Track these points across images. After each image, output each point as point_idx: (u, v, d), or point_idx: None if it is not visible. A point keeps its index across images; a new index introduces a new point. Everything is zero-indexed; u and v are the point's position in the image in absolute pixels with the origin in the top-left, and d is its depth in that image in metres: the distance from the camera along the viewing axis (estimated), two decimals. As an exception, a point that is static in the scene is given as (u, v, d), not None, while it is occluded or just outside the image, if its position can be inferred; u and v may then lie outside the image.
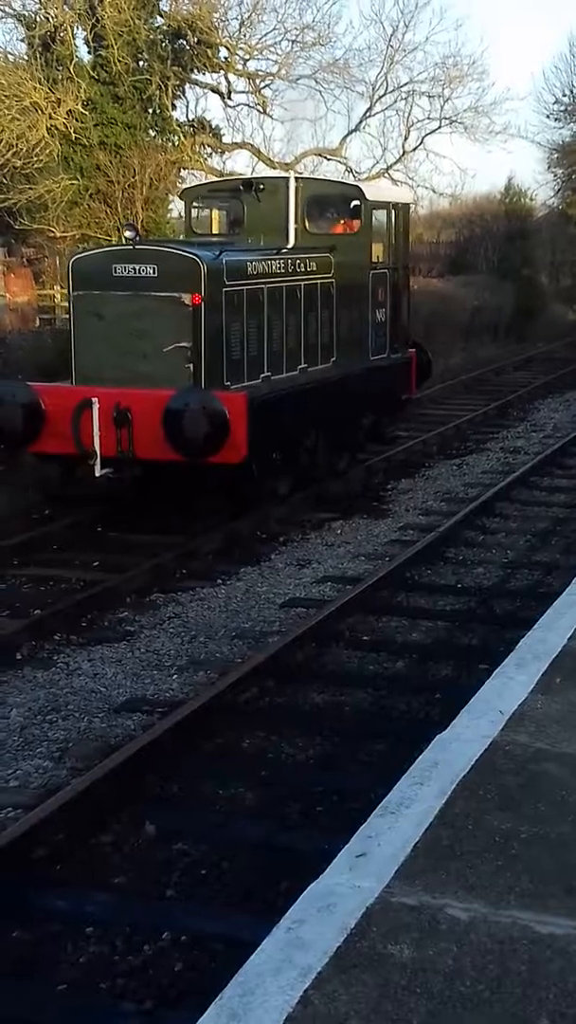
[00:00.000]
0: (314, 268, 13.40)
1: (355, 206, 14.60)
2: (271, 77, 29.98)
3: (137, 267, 11.32)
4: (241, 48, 29.36)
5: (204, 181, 21.47)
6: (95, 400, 11.02)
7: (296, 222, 14.00)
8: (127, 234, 11.72)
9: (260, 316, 12.23)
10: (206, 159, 29.52)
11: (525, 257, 38.11)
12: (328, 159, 31.28)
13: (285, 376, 12.75)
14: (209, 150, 29.88)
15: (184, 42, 28.12)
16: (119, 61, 26.49)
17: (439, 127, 32.38)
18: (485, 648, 8.58)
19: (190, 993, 4.71)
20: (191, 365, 11.32)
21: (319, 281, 13.48)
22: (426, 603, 9.90)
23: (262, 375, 12.30)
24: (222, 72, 29.55)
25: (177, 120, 28.91)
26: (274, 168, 29.87)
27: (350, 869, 3.71)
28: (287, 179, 14.57)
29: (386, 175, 31.12)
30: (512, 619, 9.16)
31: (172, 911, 5.42)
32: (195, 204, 15.09)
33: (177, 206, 30.19)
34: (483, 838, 3.93)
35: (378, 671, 8.40)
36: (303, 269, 13.20)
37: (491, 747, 4.63)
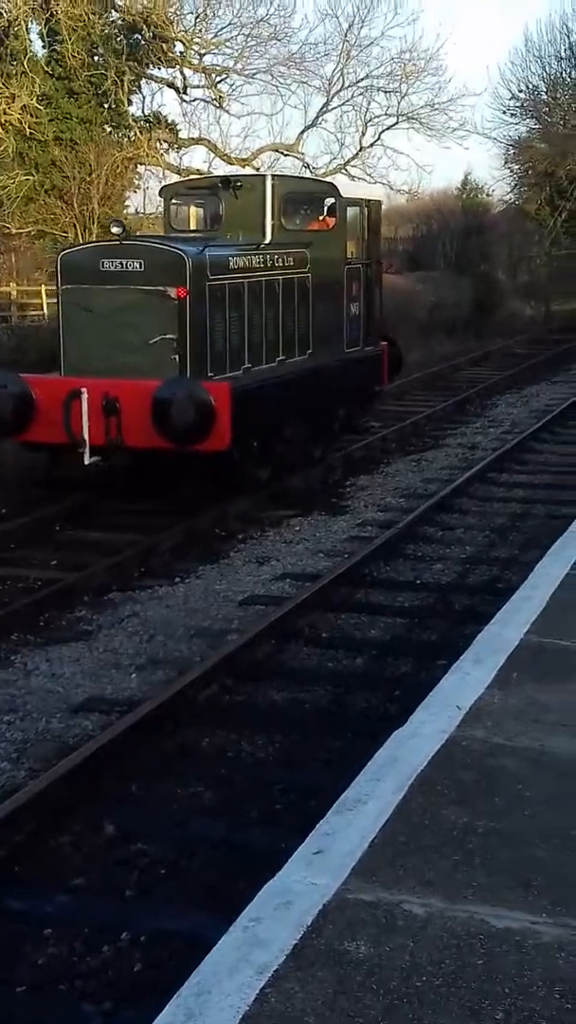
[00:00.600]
0: (291, 263, 13.82)
1: (330, 204, 15.06)
2: (227, 72, 29.96)
3: (124, 262, 11.71)
4: (196, 42, 29.33)
5: (183, 179, 21.94)
6: (84, 390, 11.39)
7: (273, 219, 14.39)
8: (114, 229, 11.97)
9: (241, 309, 12.63)
10: (163, 155, 29.44)
11: (483, 253, 38.29)
12: (285, 155, 31.29)
13: (264, 368, 13.17)
14: (166, 145, 29.80)
15: (139, 36, 28.04)
16: (74, 56, 26.39)
17: (396, 123, 32.53)
18: (444, 644, 8.60)
19: (150, 993, 4.69)
20: (177, 356, 11.73)
21: (296, 276, 13.90)
22: (385, 599, 9.92)
23: (243, 366, 12.72)
24: (178, 67, 29.52)
25: (133, 115, 28.83)
26: (231, 164, 29.86)
27: (307, 866, 3.71)
28: (264, 177, 15.06)
29: (343, 171, 31.16)
30: (470, 615, 9.19)
31: (131, 911, 5.40)
32: (174, 201, 15.44)
33: (134, 202, 30.18)
34: (440, 833, 3.95)
35: (337, 668, 8.40)
36: (281, 264, 13.62)
37: (448, 743, 4.65)
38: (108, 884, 5.61)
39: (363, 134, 32.34)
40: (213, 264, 12.14)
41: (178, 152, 30.72)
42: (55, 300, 13.26)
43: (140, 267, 11.68)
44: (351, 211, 15.25)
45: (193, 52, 29.44)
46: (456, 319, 32.42)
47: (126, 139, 28.43)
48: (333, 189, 15.24)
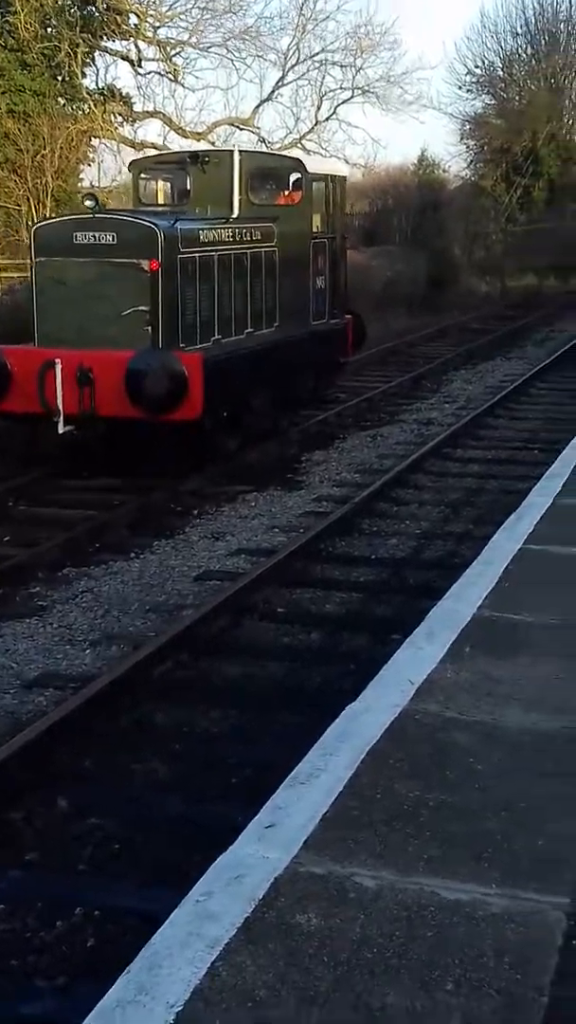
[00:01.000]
0: (259, 237, 14.15)
1: (296, 178, 15.38)
2: (182, 45, 29.70)
3: (97, 235, 11.96)
4: (151, 15, 29.03)
5: (151, 153, 21.95)
6: (58, 361, 11.64)
7: (240, 193, 14.54)
8: (87, 203, 12.21)
9: (211, 282, 12.93)
10: (117, 128, 29.17)
11: (439, 229, 38.26)
12: (241, 128, 31.08)
13: (233, 339, 13.43)
14: (120, 119, 29.52)
15: (93, 8, 27.70)
16: (27, 28, 26.03)
17: (351, 97, 32.37)
18: (398, 619, 8.62)
19: (103, 968, 4.69)
20: (149, 328, 12.00)
21: (263, 249, 14.23)
22: (340, 574, 9.94)
23: (213, 338, 12.99)
24: (132, 39, 29.19)
25: (87, 88, 28.51)
26: (186, 138, 29.65)
27: (259, 840, 3.72)
28: (231, 152, 15.16)
29: (299, 145, 31.02)
30: (425, 589, 9.22)
31: (85, 886, 5.39)
32: (142, 176, 15.74)
33: (88, 175, 29.91)
34: (392, 807, 3.96)
35: (292, 643, 8.42)
36: (249, 238, 13.95)
37: (401, 717, 4.67)
38: (62, 859, 5.60)
39: (319, 108, 32.20)
40: (184, 237, 12.37)
41: (133, 125, 30.45)
42: (28, 273, 13.49)
43: (113, 240, 11.91)
44: (316, 186, 15.50)
45: (147, 25, 29.14)
46: (412, 294, 32.39)
47: (80, 112, 28.12)
48: (299, 164, 15.53)
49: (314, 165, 16.17)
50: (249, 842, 3.72)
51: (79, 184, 28.90)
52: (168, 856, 5.59)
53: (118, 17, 27.88)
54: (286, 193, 15.51)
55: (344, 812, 3.91)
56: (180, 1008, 2.91)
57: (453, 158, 45.02)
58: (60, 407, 11.65)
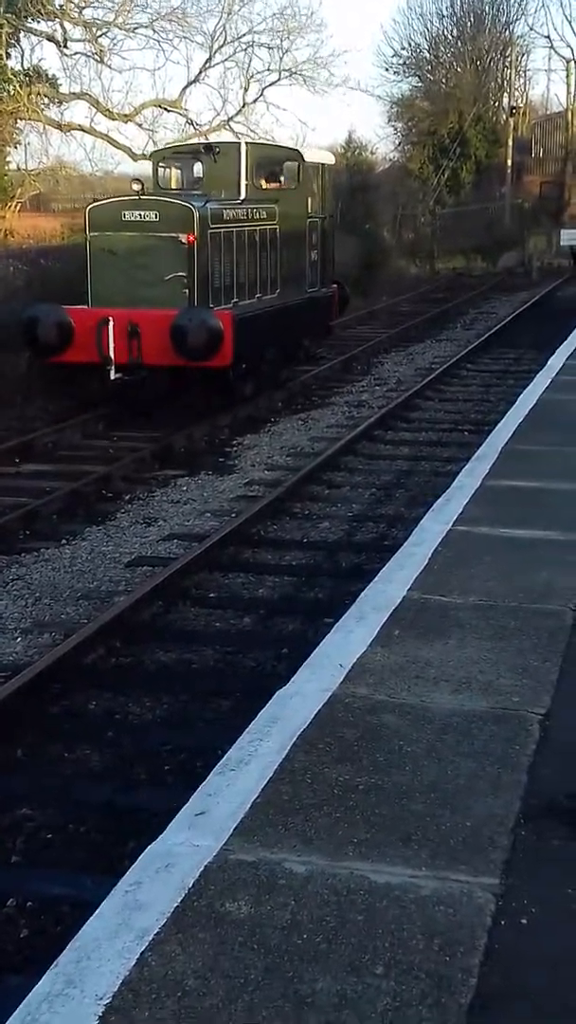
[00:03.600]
0: (264, 216, 16.71)
1: (293, 166, 18.05)
2: (108, 25, 29.39)
3: (142, 213, 14.50)
4: (77, -5, 28.69)
5: (170, 144, 24.84)
6: (111, 318, 14.08)
7: (247, 179, 17.06)
8: (135, 187, 14.73)
9: (231, 253, 15.44)
10: (43, 110, 28.82)
11: (367, 212, 38.27)
12: (168, 111, 30.86)
13: (246, 302, 15.89)
14: (46, 100, 29.16)
15: (17, -12, 27.32)
16: (-51, 8, 25.64)
17: (279, 79, 32.29)
18: (331, 602, 8.64)
19: (36, 959, 4.66)
20: (186, 291, 14.55)
21: (267, 227, 16.75)
22: (272, 559, 9.94)
23: (232, 300, 15.49)
24: (57, 20, 28.83)
25: (12, 69, 28.13)
26: (113, 119, 29.41)
27: (189, 828, 3.71)
28: (239, 144, 17.86)
29: (227, 127, 30.87)
30: (357, 572, 9.25)
31: (17, 877, 5.36)
32: (161, 164, 18.20)
33: (15, 157, 29.57)
34: (322, 791, 3.97)
35: (225, 628, 8.40)
36: (257, 217, 16.53)
37: (331, 700, 4.67)
38: (-7, 851, 5.56)
39: (246, 90, 32.07)
40: (213, 215, 14.96)
41: (59, 107, 30.11)
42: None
43: (156, 217, 14.44)
44: (310, 173, 18.27)
45: (73, 5, 28.81)
46: (342, 277, 32.33)
47: (5, 93, 27.74)
48: (297, 154, 18.38)
49: (308, 155, 18.69)
50: (179, 830, 3.71)
51: (6, 166, 28.56)
52: (102, 845, 5.57)
53: (43, -3, 27.52)
54: (285, 179, 17.93)
55: (274, 797, 3.90)
56: (109, 1000, 2.90)
57: (381, 140, 45.18)
58: (112, 356, 13.99)
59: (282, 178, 17.99)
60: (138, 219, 14.43)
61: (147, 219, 14.42)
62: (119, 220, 14.51)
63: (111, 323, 14.01)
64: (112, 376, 14.14)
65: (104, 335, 14.02)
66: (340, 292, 20.42)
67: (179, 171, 18.24)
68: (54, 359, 14.64)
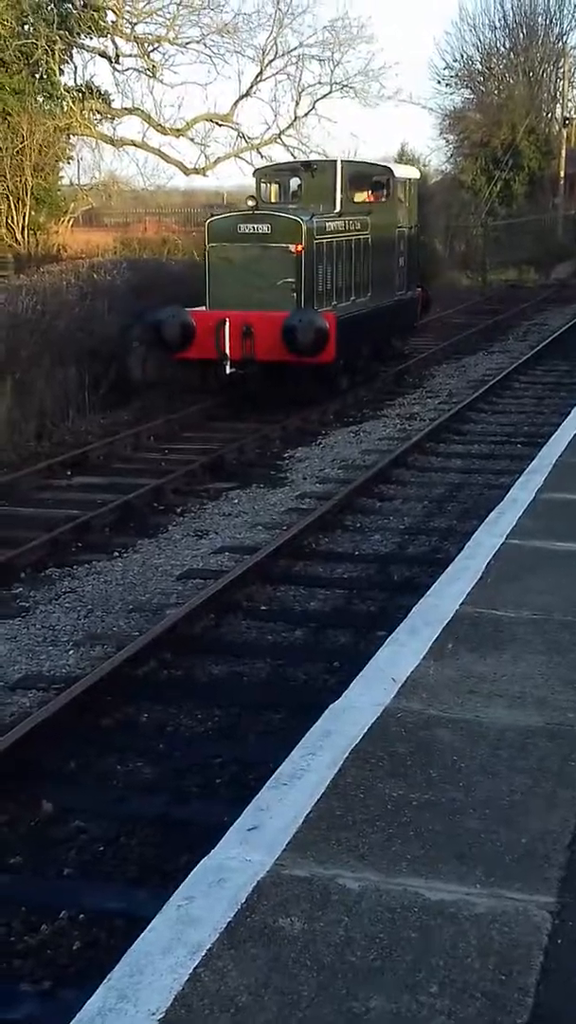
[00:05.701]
0: (358, 227, 18.37)
1: (385, 181, 19.78)
2: (159, 41, 29.62)
3: (256, 226, 16.10)
4: (128, 11, 28.98)
5: (272, 163, 27.35)
6: (227, 320, 15.75)
7: (341, 193, 18.60)
8: (249, 202, 16.77)
9: (332, 261, 17.10)
10: (96, 125, 29.08)
11: (420, 224, 38.18)
12: (220, 125, 31.03)
13: (343, 305, 17.55)
14: (99, 116, 29.42)
15: (70, 5, 27.64)
16: (4, 25, 25.94)
17: (330, 91, 32.42)
18: (382, 615, 8.61)
19: (88, 972, 4.67)
20: (294, 294, 16.13)
21: (362, 237, 18.42)
22: (324, 571, 9.91)
23: (332, 303, 17.07)
24: (109, 36, 29.11)
25: (65, 85, 28.42)
26: (165, 134, 29.61)
27: (241, 843, 3.69)
28: (335, 161, 19.42)
29: (278, 141, 30.99)
30: (409, 586, 9.20)
31: (70, 889, 5.37)
32: (263, 180, 19.92)
33: (67, 172, 29.82)
34: (375, 807, 3.94)
35: (276, 641, 8.39)
36: (353, 228, 18.15)
37: (383, 715, 4.65)
38: (46, 862, 5.57)
39: (297, 103, 32.22)
40: (317, 228, 16.56)
41: (111, 122, 30.38)
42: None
43: (268, 230, 16.04)
44: (400, 187, 20.10)
45: (125, 21, 29.09)
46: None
47: (59, 109, 28.04)
48: (387, 170, 20.16)
49: (399, 172, 20.59)
50: (232, 845, 3.69)
51: (59, 181, 28.81)
52: (153, 858, 5.57)
53: (95, 14, 27.82)
54: (377, 193, 19.63)
55: (327, 813, 3.88)
56: (162, 1016, 2.89)
57: (433, 152, 45.13)
58: (228, 353, 15.66)
59: (374, 191, 19.69)
60: (252, 231, 16.04)
61: (260, 231, 16.02)
62: (235, 232, 16.16)
63: (227, 324, 15.64)
64: (228, 371, 15.83)
65: (221, 334, 15.66)
66: (424, 295, 22.55)
67: (278, 186, 19.93)
68: (177, 355, 16.31)
